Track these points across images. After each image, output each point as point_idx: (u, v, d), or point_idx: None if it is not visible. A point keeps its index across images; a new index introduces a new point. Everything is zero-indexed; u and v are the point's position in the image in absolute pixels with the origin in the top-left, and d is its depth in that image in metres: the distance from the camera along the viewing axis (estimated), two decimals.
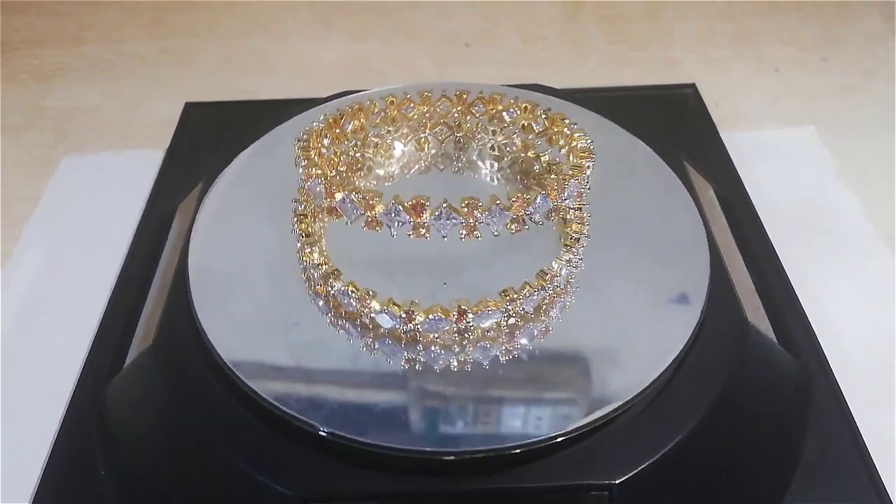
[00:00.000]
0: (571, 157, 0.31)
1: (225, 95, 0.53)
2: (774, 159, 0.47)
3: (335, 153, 0.33)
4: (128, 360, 0.30)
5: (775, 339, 0.30)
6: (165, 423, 0.28)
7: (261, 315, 0.29)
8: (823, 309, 0.36)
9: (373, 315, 0.27)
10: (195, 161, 0.40)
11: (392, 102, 0.35)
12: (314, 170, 0.29)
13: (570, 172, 0.29)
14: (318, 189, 0.29)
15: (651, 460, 0.25)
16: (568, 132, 0.32)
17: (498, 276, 0.29)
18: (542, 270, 0.28)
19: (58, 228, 0.44)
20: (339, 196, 0.28)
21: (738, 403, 0.27)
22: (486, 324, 0.27)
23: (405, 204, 0.27)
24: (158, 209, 0.38)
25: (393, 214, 0.27)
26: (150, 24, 0.63)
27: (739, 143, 0.47)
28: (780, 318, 0.32)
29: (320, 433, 0.25)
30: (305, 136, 0.31)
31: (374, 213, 0.27)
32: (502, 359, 0.27)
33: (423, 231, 0.27)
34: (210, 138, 0.42)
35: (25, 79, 0.57)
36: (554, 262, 0.28)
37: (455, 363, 0.27)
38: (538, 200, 0.27)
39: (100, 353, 0.32)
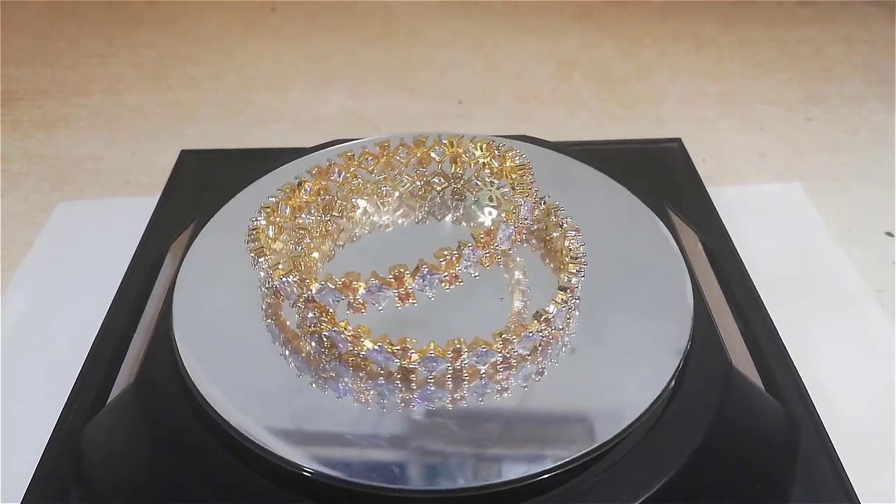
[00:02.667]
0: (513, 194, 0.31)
1: (224, 146, 0.54)
2: (761, 214, 0.48)
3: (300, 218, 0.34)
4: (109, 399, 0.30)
5: (762, 386, 0.30)
6: (144, 463, 0.27)
7: (244, 355, 0.29)
8: (811, 361, 0.36)
9: (364, 353, 0.27)
10: (188, 205, 0.40)
11: (350, 158, 0.35)
12: (263, 258, 0.29)
13: (503, 216, 0.29)
14: (260, 273, 0.29)
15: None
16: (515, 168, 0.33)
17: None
18: (537, 312, 0.28)
19: (49, 272, 0.44)
20: (278, 279, 0.28)
21: (722, 447, 0.26)
22: (482, 365, 0.27)
23: (337, 282, 0.27)
24: (149, 250, 0.38)
25: (325, 293, 0.27)
26: (153, 77, 0.65)
27: (726, 198, 0.48)
28: (766, 366, 0.31)
29: (305, 473, 0.25)
30: (256, 220, 0.31)
31: (309, 293, 0.27)
32: (490, 399, 0.27)
33: (359, 307, 0.27)
34: (204, 184, 0.43)
35: (27, 127, 0.58)
36: (551, 305, 0.28)
37: (444, 402, 0.27)
38: (466, 253, 0.28)
39: (81, 393, 0.31)
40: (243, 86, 0.64)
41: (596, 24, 0.73)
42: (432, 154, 0.36)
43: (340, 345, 0.28)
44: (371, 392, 0.27)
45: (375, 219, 0.36)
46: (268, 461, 0.25)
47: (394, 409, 0.26)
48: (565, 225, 0.31)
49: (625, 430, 0.25)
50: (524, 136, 0.41)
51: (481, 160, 0.36)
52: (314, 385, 0.27)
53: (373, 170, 0.36)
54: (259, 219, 0.31)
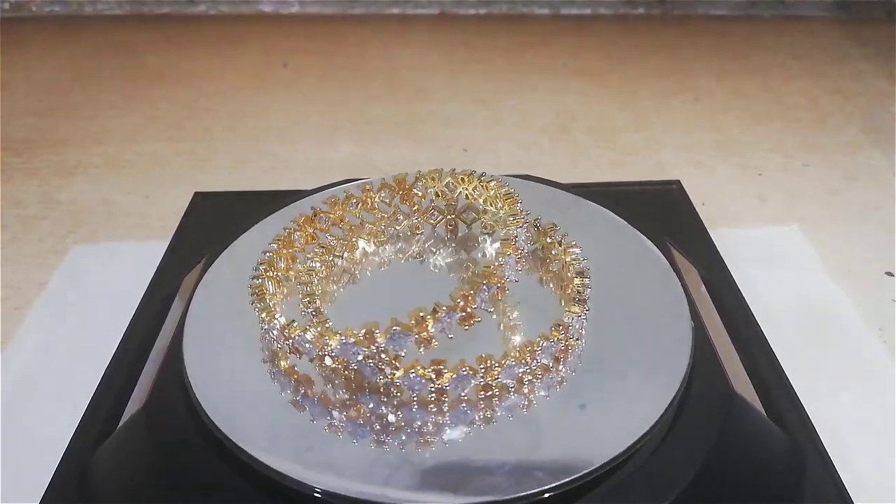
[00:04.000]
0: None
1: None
2: (760, 255, 0.49)
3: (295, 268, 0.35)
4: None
5: (763, 412, 0.30)
6: (153, 487, 0.27)
7: (252, 379, 0.30)
8: (813, 398, 0.36)
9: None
10: (201, 242, 0.41)
11: (305, 221, 0.36)
12: (264, 312, 0.30)
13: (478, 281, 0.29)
14: (305, 344, 0.29)
15: None
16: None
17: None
18: (555, 324, 0.29)
19: (63, 310, 0.45)
20: (337, 343, 0.28)
21: (726, 469, 0.26)
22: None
23: (405, 323, 0.27)
24: (162, 284, 0.39)
25: (396, 338, 0.27)
26: (169, 128, 0.67)
27: (726, 239, 0.48)
28: (768, 394, 0.32)
29: (315, 494, 0.25)
30: (258, 275, 0.32)
31: (376, 345, 0.27)
32: (495, 418, 0.27)
33: (429, 342, 0.28)
34: (216, 223, 0.44)
35: (45, 174, 0.60)
36: (565, 316, 0.29)
37: (455, 421, 0.27)
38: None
39: (92, 419, 0.32)
40: (255, 137, 0.66)
41: (594, 79, 0.76)
42: (415, 190, 0.37)
43: (416, 387, 0.28)
44: (389, 416, 0.27)
45: (375, 258, 0.37)
46: (278, 482, 0.25)
47: (399, 429, 0.27)
48: (563, 242, 0.32)
49: (624, 453, 0.25)
50: (527, 175, 0.43)
51: (433, 191, 0.37)
52: (328, 407, 0.28)
53: (358, 212, 0.37)
54: (258, 302, 0.30)
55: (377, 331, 0.27)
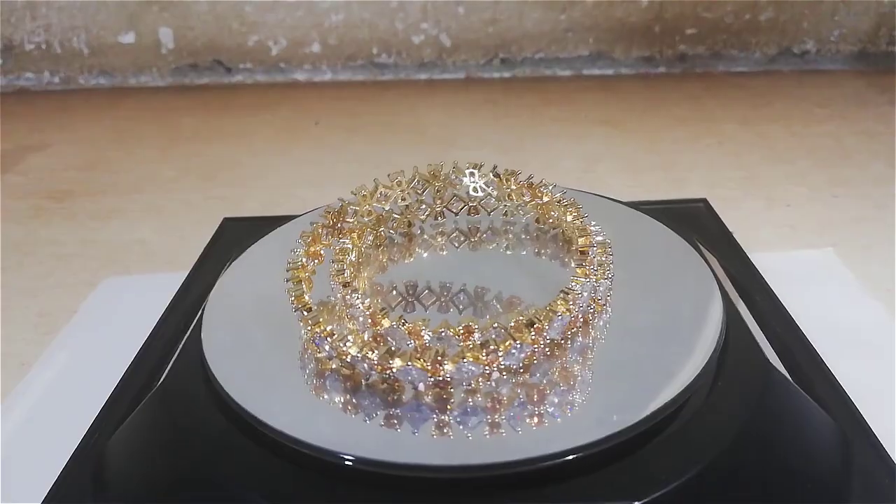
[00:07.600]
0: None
1: None
2: (795, 275, 0.47)
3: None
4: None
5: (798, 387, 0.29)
6: (170, 462, 0.27)
7: (270, 356, 0.30)
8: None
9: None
10: (229, 259, 0.42)
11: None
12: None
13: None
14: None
15: (672, 485, 0.23)
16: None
17: None
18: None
19: (91, 332, 0.45)
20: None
21: (762, 436, 0.25)
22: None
23: (504, 327, 0.27)
24: (189, 292, 0.40)
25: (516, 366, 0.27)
26: (202, 178, 0.69)
27: (759, 262, 0.47)
28: (804, 377, 0.30)
29: (345, 462, 0.24)
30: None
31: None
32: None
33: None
34: (243, 241, 0.45)
35: (82, 218, 0.62)
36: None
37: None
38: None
39: (110, 409, 0.31)
40: (285, 184, 0.68)
41: (617, 128, 0.77)
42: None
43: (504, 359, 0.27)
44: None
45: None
46: (304, 453, 0.25)
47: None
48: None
49: (664, 409, 0.24)
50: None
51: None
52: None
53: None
54: (335, 347, 0.28)
55: (393, 360, 0.26)
